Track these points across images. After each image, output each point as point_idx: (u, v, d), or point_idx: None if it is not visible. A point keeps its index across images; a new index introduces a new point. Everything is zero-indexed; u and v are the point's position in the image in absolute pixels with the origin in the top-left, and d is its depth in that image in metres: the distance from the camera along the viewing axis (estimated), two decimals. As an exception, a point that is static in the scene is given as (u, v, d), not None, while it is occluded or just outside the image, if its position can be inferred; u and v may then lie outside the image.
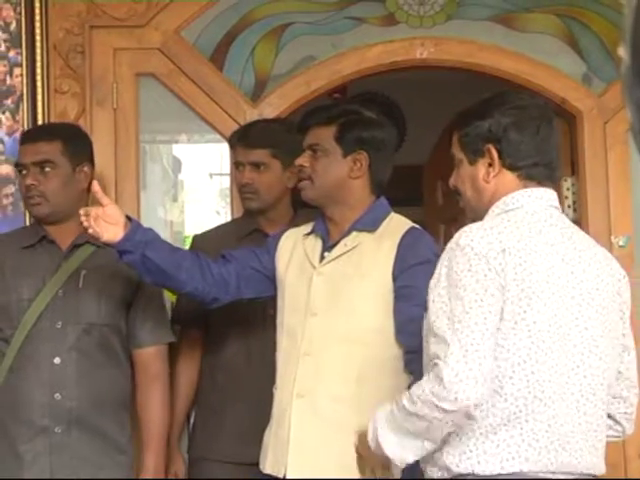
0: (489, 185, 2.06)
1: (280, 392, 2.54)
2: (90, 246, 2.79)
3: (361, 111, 2.59)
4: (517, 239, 1.96)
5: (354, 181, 2.55)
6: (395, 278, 2.47)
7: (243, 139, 2.98)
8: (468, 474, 1.95)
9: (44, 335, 2.71)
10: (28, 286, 2.74)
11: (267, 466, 2.53)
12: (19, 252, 2.80)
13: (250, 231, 3.00)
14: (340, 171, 2.55)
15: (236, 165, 3.01)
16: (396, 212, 2.63)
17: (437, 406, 1.88)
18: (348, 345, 2.46)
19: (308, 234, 2.62)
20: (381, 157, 2.58)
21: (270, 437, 2.55)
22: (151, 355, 2.82)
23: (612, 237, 3.45)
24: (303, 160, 2.57)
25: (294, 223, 2.89)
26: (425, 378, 1.94)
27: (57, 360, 2.70)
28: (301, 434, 2.46)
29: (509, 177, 2.06)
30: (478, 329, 1.88)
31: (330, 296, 2.50)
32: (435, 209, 4.57)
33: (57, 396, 2.68)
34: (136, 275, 2.73)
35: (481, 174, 2.07)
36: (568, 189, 3.57)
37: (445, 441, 1.97)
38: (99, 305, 2.75)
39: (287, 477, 2.45)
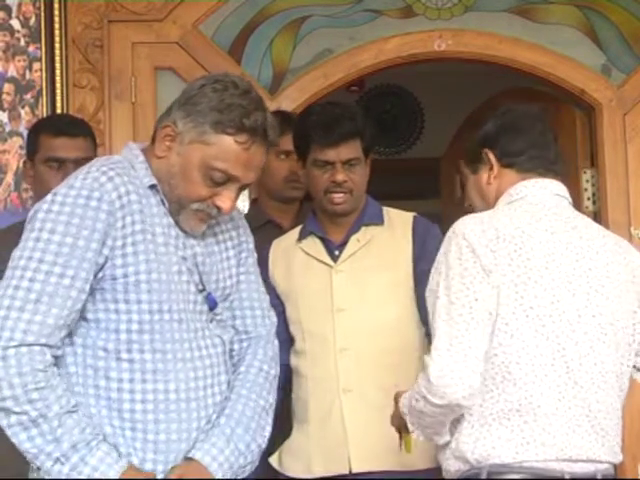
0: (492, 186, 2.13)
1: (319, 390, 2.51)
2: None
3: (363, 111, 2.63)
4: (514, 226, 2.00)
5: (366, 181, 2.60)
6: (416, 263, 2.52)
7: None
8: (483, 461, 1.95)
9: None
10: None
11: (316, 470, 2.50)
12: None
13: (263, 222, 2.98)
14: (366, 177, 2.60)
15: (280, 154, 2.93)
16: (414, 205, 2.65)
17: (429, 401, 1.91)
18: (382, 334, 2.50)
19: (300, 238, 2.61)
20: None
21: (311, 440, 2.52)
22: None
23: (632, 229, 3.44)
24: (342, 176, 2.53)
25: (302, 213, 2.91)
26: (421, 373, 1.96)
27: None
28: (358, 427, 2.48)
29: (508, 174, 2.11)
30: (462, 320, 1.91)
31: (355, 290, 2.52)
32: (453, 202, 4.56)
33: None
34: None
35: (484, 179, 2.14)
36: (587, 181, 3.57)
37: (458, 430, 1.98)
38: None
39: (354, 471, 2.45)
